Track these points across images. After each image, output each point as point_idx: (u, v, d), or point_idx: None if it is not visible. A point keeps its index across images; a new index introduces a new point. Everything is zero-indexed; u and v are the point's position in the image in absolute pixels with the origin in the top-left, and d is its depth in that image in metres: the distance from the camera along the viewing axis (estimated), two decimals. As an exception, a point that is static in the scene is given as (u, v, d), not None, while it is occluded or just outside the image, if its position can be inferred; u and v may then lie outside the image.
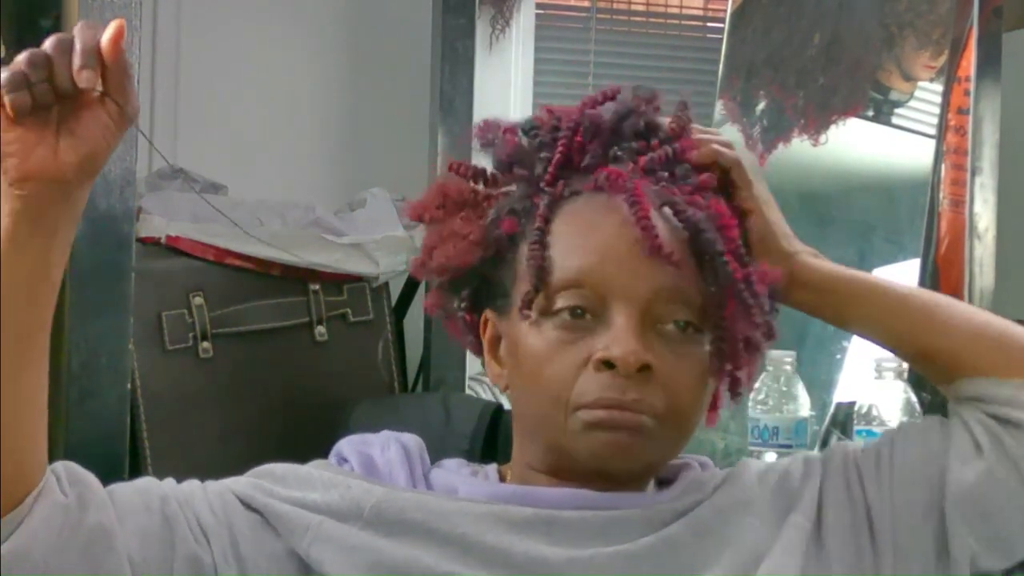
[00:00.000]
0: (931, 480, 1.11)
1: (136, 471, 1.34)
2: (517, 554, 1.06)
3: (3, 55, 1.36)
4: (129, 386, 1.29)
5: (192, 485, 1.08)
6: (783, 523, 1.11)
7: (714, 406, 1.15)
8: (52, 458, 1.32)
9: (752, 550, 1.09)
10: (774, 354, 1.76)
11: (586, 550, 1.06)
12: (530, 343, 1.09)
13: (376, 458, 1.16)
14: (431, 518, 1.07)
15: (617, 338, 1.05)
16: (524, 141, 1.15)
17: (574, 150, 1.12)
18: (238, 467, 1.25)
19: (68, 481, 1.02)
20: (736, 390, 1.13)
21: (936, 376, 1.17)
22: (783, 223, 1.16)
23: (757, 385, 1.78)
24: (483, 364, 1.19)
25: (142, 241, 1.41)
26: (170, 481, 1.08)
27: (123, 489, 1.05)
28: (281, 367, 1.24)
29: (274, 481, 1.10)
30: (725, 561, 1.07)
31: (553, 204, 1.10)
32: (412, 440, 1.20)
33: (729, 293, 1.07)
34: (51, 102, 0.96)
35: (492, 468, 1.19)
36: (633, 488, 1.12)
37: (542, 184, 1.12)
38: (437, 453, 1.27)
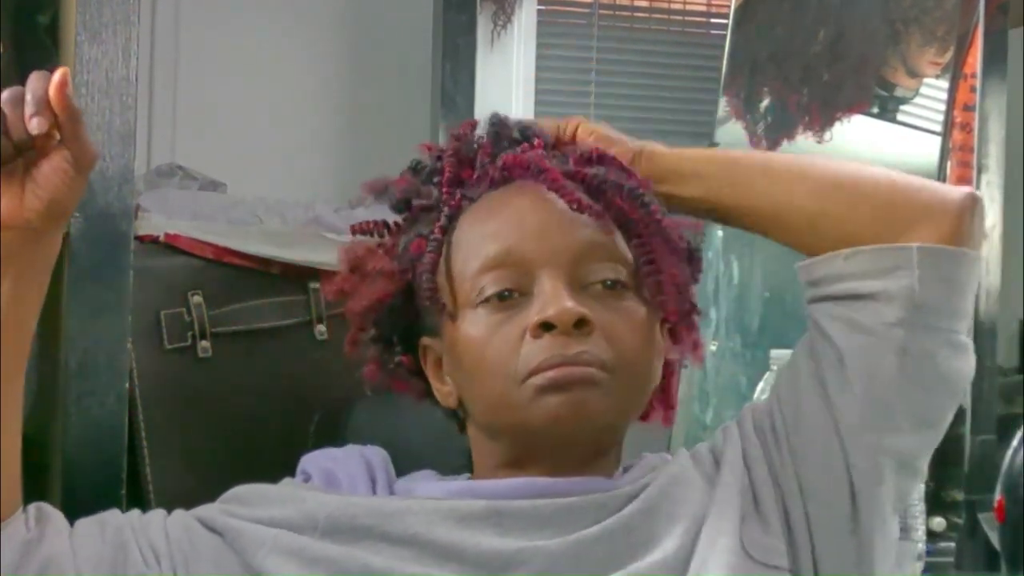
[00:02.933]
0: (823, 428, 1.12)
1: (134, 470, 1.33)
2: (468, 548, 1.07)
3: (1, 51, 1.35)
4: (127, 385, 1.28)
5: (153, 514, 1.13)
6: (716, 485, 1.12)
7: (666, 392, 1.19)
8: (51, 457, 1.32)
9: (694, 517, 1.10)
10: (777, 353, 1.75)
11: (537, 540, 1.07)
12: (467, 333, 1.11)
13: (338, 472, 1.18)
14: (382, 521, 1.09)
15: (549, 300, 1.07)
16: (414, 177, 1.20)
17: (463, 163, 1.17)
18: (237, 467, 1.24)
19: (35, 519, 1.08)
20: (693, 353, 1.19)
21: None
22: (613, 131, 1.21)
23: (760, 384, 1.78)
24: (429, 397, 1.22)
25: (140, 239, 1.40)
26: (134, 512, 1.14)
27: (84, 522, 1.11)
28: (281, 366, 1.23)
29: (239, 503, 1.13)
30: (676, 534, 1.08)
31: (452, 213, 1.14)
32: (376, 452, 1.22)
33: (652, 232, 1.12)
34: (11, 153, 1.00)
35: (462, 476, 1.20)
36: (597, 470, 1.13)
37: (441, 203, 1.16)
38: (438, 453, 1.26)
